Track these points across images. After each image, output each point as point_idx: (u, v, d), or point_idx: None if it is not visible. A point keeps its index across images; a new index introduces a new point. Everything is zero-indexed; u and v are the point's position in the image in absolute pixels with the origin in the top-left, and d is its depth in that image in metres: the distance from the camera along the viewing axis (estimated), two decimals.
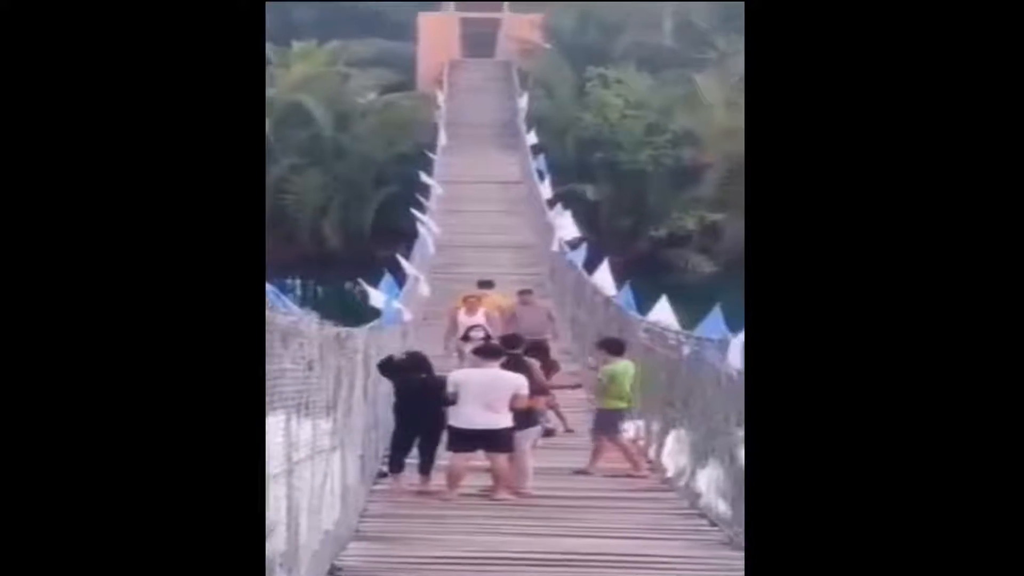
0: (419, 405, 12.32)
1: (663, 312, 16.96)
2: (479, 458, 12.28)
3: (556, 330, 18.81)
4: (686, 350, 14.01)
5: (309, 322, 8.82)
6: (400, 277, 22.48)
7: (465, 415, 11.98)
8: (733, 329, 12.09)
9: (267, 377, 7.03)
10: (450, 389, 12.06)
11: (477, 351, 12.80)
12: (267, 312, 7.24)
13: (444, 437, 12.23)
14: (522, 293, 19.09)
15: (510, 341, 13.80)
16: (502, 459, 12.11)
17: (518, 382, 12.11)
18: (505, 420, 12.02)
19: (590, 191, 42.98)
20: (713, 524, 11.39)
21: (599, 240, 34.19)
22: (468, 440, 12.03)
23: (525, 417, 12.34)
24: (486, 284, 19.77)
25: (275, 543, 7.43)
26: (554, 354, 16.63)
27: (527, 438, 12.50)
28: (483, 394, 11.98)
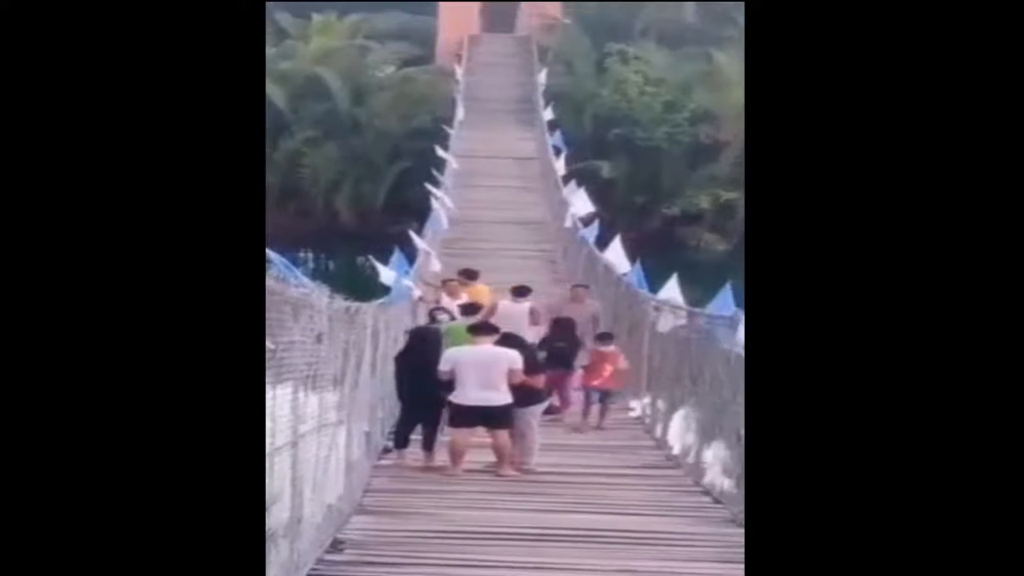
0: (421, 381, 12.36)
1: (673, 290, 17.00)
2: (483, 434, 12.34)
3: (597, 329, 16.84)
4: (693, 328, 14.11)
5: (320, 295, 8.85)
6: (411, 253, 22.48)
7: (463, 391, 12.04)
8: (743, 307, 12.10)
9: (276, 349, 7.09)
10: (445, 367, 12.10)
11: (472, 329, 12.78)
12: (278, 284, 7.30)
13: (445, 413, 12.29)
14: (576, 287, 18.07)
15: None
16: (503, 435, 12.15)
17: (512, 357, 12.14)
18: (503, 396, 12.06)
19: (605, 168, 42.90)
20: (718, 501, 11.42)
21: (612, 217, 34.17)
22: (467, 416, 12.08)
23: (529, 394, 12.37)
24: (469, 274, 18.65)
25: (278, 514, 7.48)
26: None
27: (532, 414, 12.53)
28: (479, 371, 12.02)
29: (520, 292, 17.10)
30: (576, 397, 15.71)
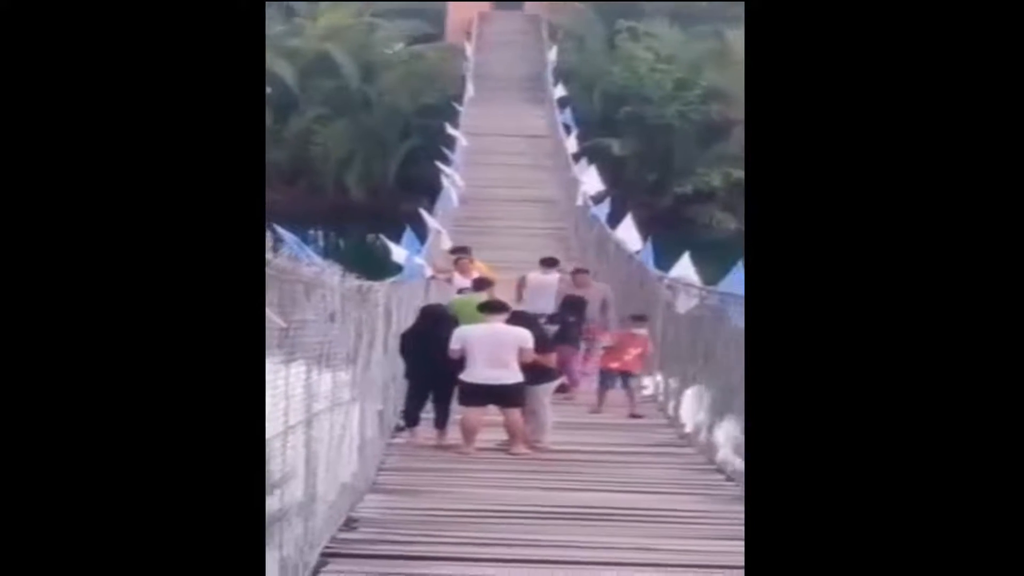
0: (432, 360, 12.36)
1: (685, 268, 16.97)
2: (495, 412, 12.34)
3: (609, 320, 16.85)
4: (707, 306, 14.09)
5: (332, 274, 8.85)
6: (422, 231, 22.48)
7: (474, 370, 12.03)
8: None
9: (289, 328, 7.08)
10: (456, 346, 12.09)
11: (482, 307, 12.79)
12: (290, 263, 7.29)
13: (456, 392, 12.30)
14: (576, 273, 17.65)
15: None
16: (515, 413, 12.15)
17: (522, 335, 12.13)
18: (514, 375, 12.05)
19: (616, 146, 42.81)
20: (729, 479, 11.42)
21: (624, 195, 34.12)
22: (478, 395, 12.08)
23: (540, 372, 12.36)
24: (461, 251, 18.81)
25: (292, 493, 7.49)
26: None
27: (545, 392, 12.54)
28: (489, 349, 12.02)
29: (549, 263, 17.92)
30: (584, 376, 15.71)
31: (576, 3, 48.62)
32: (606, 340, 15.45)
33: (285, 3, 46.03)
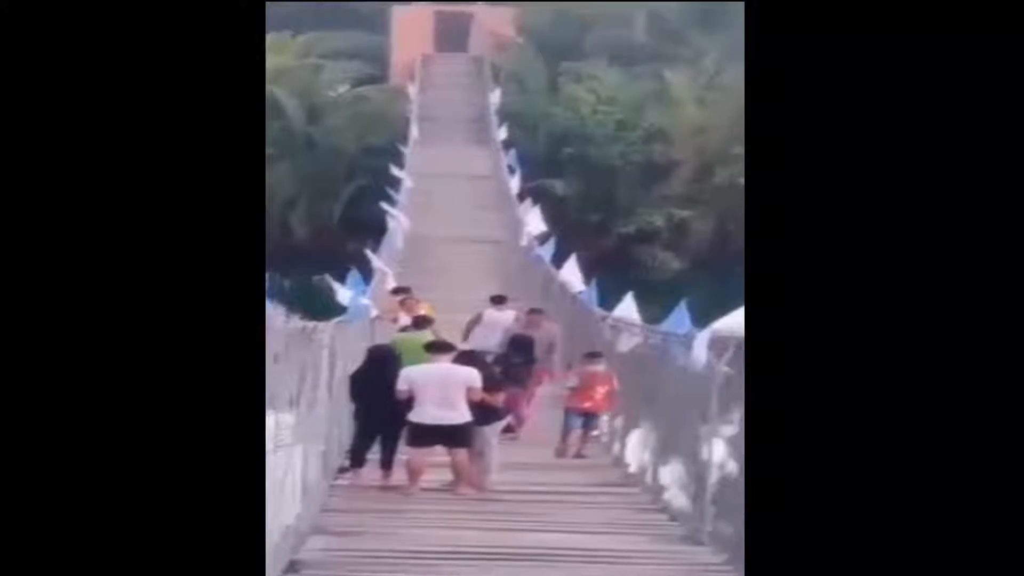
0: (379, 400, 12.33)
1: (628, 309, 17.03)
2: (441, 453, 12.31)
3: (553, 361, 16.79)
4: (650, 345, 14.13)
5: (275, 315, 8.82)
6: (367, 272, 22.46)
7: (422, 410, 12.01)
8: (698, 325, 12.16)
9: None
10: (403, 387, 12.06)
11: (429, 347, 12.77)
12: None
13: (404, 432, 12.26)
14: (531, 312, 17.37)
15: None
16: (462, 454, 12.13)
17: (470, 375, 12.13)
18: (462, 415, 12.04)
19: (559, 186, 43.02)
20: (674, 519, 11.45)
21: (567, 235, 34.22)
22: (426, 435, 12.05)
23: (487, 412, 12.35)
24: (402, 291, 18.77)
25: None
26: None
27: (493, 432, 12.52)
28: (437, 389, 12.00)
29: (499, 300, 18.30)
30: (530, 414, 15.65)
31: (519, 43, 48.90)
32: (571, 380, 15.12)
33: None
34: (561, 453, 14.60)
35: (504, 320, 17.48)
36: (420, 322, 15.72)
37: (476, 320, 17.69)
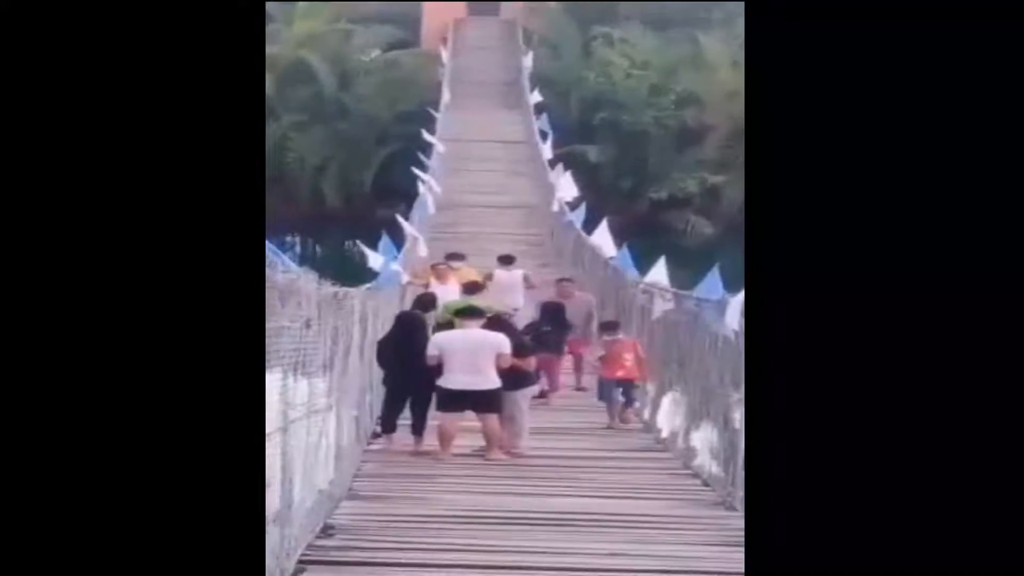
0: (408, 366, 12.36)
1: (660, 273, 17.01)
2: (472, 418, 12.35)
3: (592, 332, 16.48)
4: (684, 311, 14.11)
5: (308, 281, 8.85)
6: (399, 238, 22.49)
7: (451, 376, 12.04)
8: (731, 290, 12.12)
9: (265, 335, 7.08)
10: (433, 352, 12.10)
11: (459, 312, 12.78)
12: (266, 270, 7.29)
13: (434, 398, 12.30)
14: (561, 282, 17.31)
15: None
16: (492, 419, 12.16)
17: (499, 341, 12.15)
18: (492, 380, 12.06)
19: (592, 152, 42.88)
20: (706, 484, 11.45)
21: (599, 201, 34.17)
22: (456, 400, 12.08)
23: (518, 377, 12.37)
24: (456, 257, 18.60)
25: (269, 501, 7.48)
26: None
27: (523, 397, 12.54)
28: (467, 355, 12.03)
29: (507, 260, 18.43)
30: (566, 381, 15.68)
31: (551, 6, 48.65)
32: (597, 352, 15.14)
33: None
34: (610, 425, 14.50)
35: (515, 280, 17.65)
36: (471, 288, 15.62)
37: (488, 278, 17.55)
